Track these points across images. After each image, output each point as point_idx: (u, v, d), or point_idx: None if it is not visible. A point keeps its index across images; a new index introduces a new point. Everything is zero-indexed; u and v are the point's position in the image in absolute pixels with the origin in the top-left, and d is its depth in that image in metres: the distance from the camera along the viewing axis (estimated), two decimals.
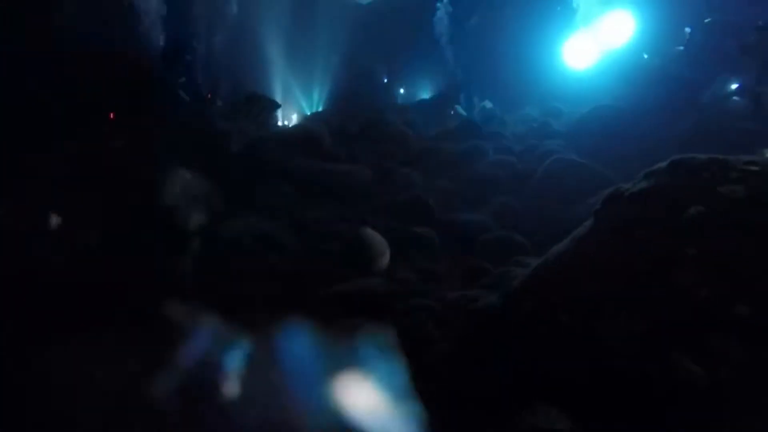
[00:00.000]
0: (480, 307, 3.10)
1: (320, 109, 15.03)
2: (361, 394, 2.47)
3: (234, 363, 2.69)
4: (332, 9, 14.96)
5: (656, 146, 6.98)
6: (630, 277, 2.24)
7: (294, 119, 13.98)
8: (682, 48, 11.68)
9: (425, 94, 16.69)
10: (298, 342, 2.85)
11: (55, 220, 4.16)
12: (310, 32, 15.13)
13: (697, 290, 2.01)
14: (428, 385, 2.55)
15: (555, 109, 12.12)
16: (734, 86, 8.08)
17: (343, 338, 2.67)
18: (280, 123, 12.46)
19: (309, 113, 14.66)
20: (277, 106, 8.00)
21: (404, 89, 17.46)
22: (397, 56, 16.89)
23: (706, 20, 11.06)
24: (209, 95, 8.12)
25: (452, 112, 13.40)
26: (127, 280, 3.88)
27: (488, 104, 13.45)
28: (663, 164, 2.59)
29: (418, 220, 6.07)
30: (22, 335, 3.00)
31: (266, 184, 6.69)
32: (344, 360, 2.62)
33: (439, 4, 15.48)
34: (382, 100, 15.15)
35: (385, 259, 4.98)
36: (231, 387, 2.59)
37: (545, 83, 13.56)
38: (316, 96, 15.53)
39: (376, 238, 5.19)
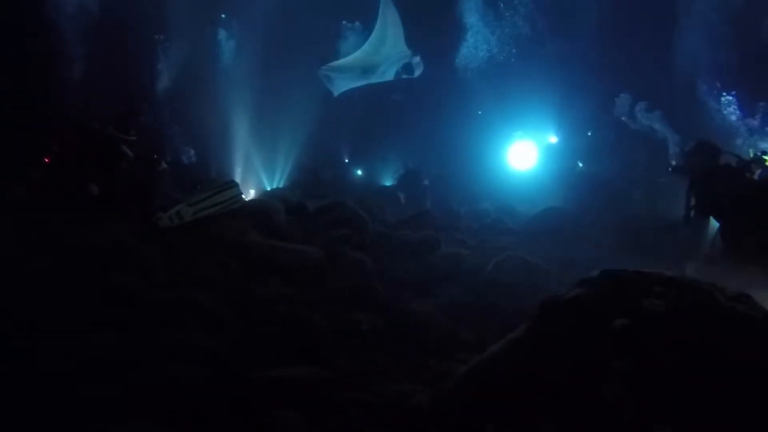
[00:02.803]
0: (412, 407, 2.97)
1: (280, 185, 15.13)
2: None
3: None
4: (300, 88, 15.56)
5: (599, 250, 7.34)
6: (560, 389, 2.21)
7: (252, 194, 13.98)
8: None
9: (383, 180, 17.20)
10: None
11: None
12: (275, 107, 15.61)
13: (622, 406, 2.00)
14: None
15: (508, 206, 12.63)
16: None
17: None
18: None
19: (268, 188, 14.72)
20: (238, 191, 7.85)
21: (363, 172, 17.95)
22: (360, 140, 17.57)
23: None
24: (156, 156, 8.12)
25: (404, 200, 13.79)
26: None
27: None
28: (594, 274, 2.67)
29: (366, 307, 5.97)
30: None
31: (212, 257, 6.51)
32: None
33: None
34: (342, 180, 15.47)
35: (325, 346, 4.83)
36: None
37: (496, 180, 14.39)
38: (277, 171, 15.69)
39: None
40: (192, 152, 13.27)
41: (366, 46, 13.27)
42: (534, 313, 2.90)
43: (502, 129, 15.80)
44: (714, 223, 6.79)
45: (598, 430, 2.03)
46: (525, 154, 14.96)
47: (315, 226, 9.03)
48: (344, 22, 17.78)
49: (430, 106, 17.39)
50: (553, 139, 15.43)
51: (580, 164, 13.45)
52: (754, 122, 10.93)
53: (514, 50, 17.01)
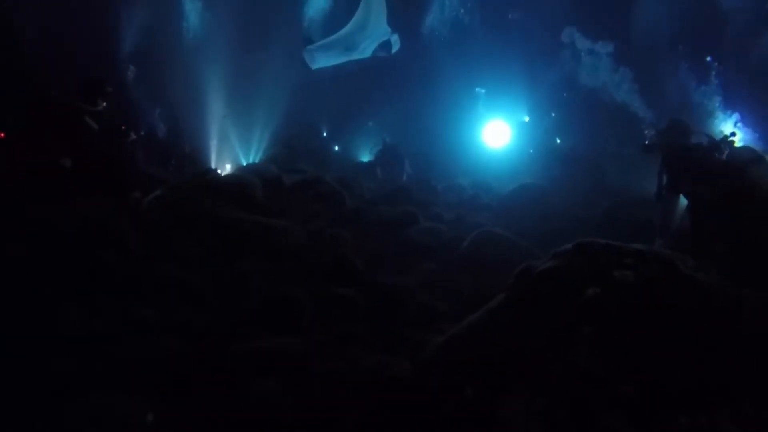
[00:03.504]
0: (392, 376, 3.06)
1: (256, 159, 14.95)
2: None
3: None
4: (276, 63, 15.37)
5: (572, 225, 7.51)
6: (534, 353, 2.32)
7: (228, 168, 13.79)
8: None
9: (361, 156, 17.17)
10: None
11: None
12: (252, 80, 15.35)
13: (590, 368, 2.11)
14: None
15: (485, 182, 12.78)
16: None
17: None
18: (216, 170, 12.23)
19: (244, 163, 14.54)
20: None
21: (339, 147, 17.88)
22: (337, 115, 17.47)
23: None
24: (124, 127, 7.77)
25: (380, 175, 13.87)
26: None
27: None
28: (569, 246, 2.77)
29: (343, 281, 6.03)
30: None
31: (189, 232, 6.45)
32: None
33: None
34: (320, 155, 15.41)
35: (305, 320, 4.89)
36: None
37: (472, 157, 14.55)
38: (254, 146, 15.48)
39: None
40: (158, 112, 12.94)
41: (350, 25, 13.25)
42: (510, 284, 3.00)
43: (473, 102, 16.01)
44: (683, 201, 7.02)
45: (568, 391, 2.14)
46: (499, 132, 15.23)
47: (292, 201, 9.00)
48: None
49: (402, 82, 17.42)
50: (527, 118, 15.69)
51: (558, 140, 13.65)
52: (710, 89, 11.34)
53: (478, 16, 17.21)
